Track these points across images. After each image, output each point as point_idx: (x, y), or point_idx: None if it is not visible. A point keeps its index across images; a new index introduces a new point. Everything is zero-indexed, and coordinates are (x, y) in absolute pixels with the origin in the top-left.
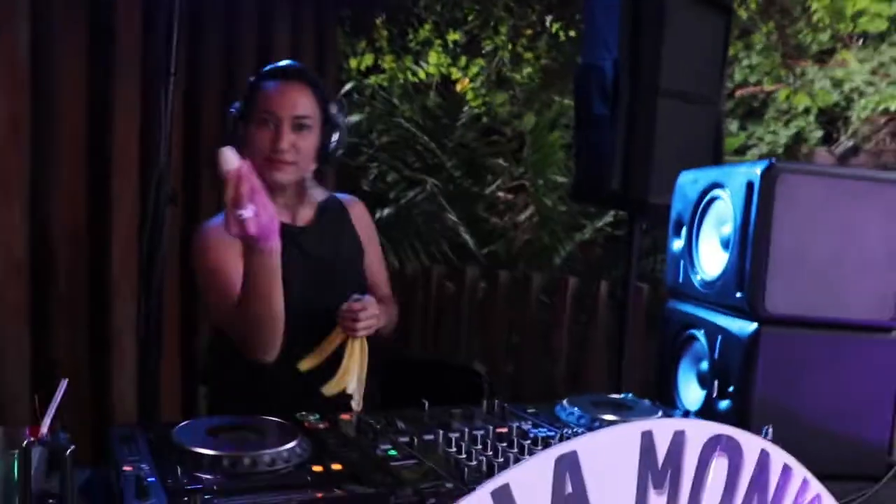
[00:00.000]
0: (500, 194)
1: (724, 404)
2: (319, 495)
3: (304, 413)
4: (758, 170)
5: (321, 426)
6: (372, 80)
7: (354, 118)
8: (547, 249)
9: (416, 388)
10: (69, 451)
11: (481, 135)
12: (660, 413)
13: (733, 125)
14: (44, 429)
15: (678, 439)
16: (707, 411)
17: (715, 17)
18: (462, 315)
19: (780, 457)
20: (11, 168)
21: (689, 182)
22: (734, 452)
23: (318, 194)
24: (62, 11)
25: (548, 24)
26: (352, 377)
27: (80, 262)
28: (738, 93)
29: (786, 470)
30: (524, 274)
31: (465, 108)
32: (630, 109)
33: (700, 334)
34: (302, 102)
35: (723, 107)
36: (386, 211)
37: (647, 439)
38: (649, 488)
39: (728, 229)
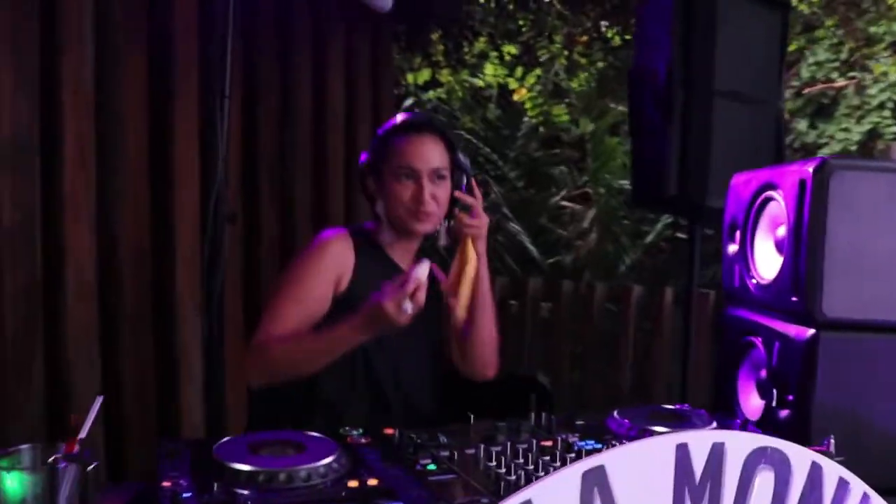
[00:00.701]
0: (564, 203)
1: (783, 414)
2: None
3: (347, 428)
4: (810, 168)
5: (363, 441)
6: (430, 94)
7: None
8: (610, 257)
9: (479, 400)
10: (91, 467)
11: (543, 144)
12: (714, 424)
13: (802, 124)
14: (77, 446)
15: (717, 452)
16: (767, 422)
17: (771, 15)
18: (525, 327)
19: (833, 470)
20: (79, 189)
21: (742, 184)
22: (781, 466)
23: (443, 239)
24: (124, 33)
25: (603, 29)
26: (468, 281)
27: (146, 281)
28: (806, 90)
29: (842, 484)
30: (588, 284)
31: (525, 119)
32: (684, 112)
33: (758, 341)
34: (437, 155)
35: (783, 105)
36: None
37: (683, 452)
38: (687, 503)
39: (783, 231)
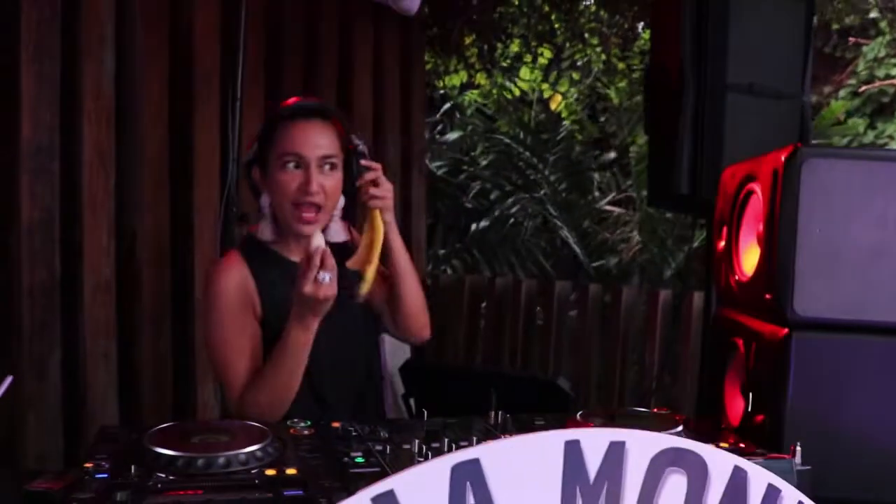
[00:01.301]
0: (608, 207)
1: (759, 419)
2: (248, 496)
3: (295, 420)
4: (783, 155)
5: (305, 432)
6: (468, 96)
7: (454, 136)
8: (655, 262)
9: (500, 404)
10: None
11: (586, 148)
12: (679, 428)
13: (860, 124)
14: None
15: (615, 451)
16: (746, 427)
17: (793, 5)
18: (551, 330)
19: (761, 476)
20: (98, 193)
21: (729, 177)
22: (694, 469)
23: (335, 233)
24: (144, 38)
25: (640, 30)
26: (377, 253)
27: (164, 281)
28: (863, 89)
29: (771, 492)
30: (613, 287)
31: (565, 123)
32: (696, 107)
33: (740, 342)
34: (327, 142)
35: (808, 99)
36: (482, 224)
37: (574, 450)
38: (578, 503)
39: (762, 226)
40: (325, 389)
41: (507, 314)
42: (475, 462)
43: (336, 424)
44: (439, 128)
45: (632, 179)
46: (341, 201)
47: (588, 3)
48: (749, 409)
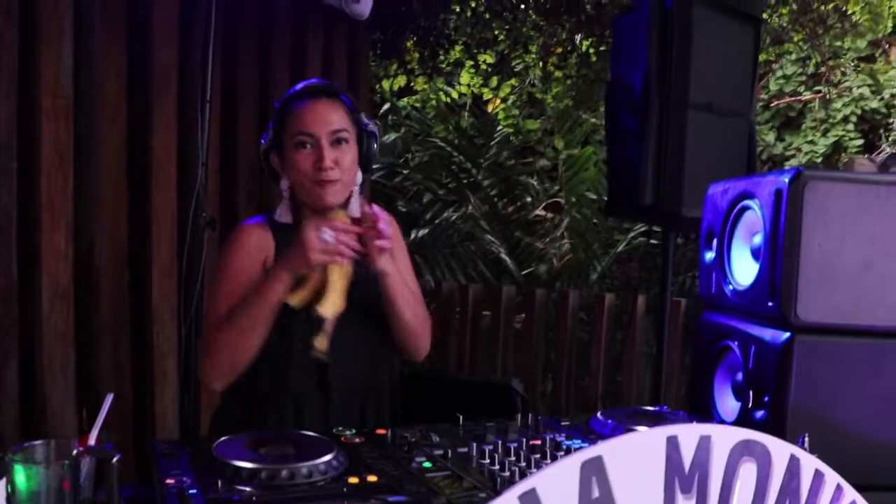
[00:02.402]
0: (537, 213)
1: (759, 415)
2: None
3: (340, 428)
4: (786, 178)
5: (357, 440)
6: (405, 101)
7: (390, 137)
8: (583, 265)
9: (452, 407)
10: (115, 459)
11: (516, 154)
12: (693, 423)
13: (770, 136)
14: (91, 440)
15: (704, 444)
16: (743, 423)
17: (744, 29)
18: (499, 334)
19: (810, 462)
20: (57, 194)
21: (719, 193)
22: (762, 458)
23: (354, 208)
24: (102, 32)
25: (577, 41)
26: (339, 296)
27: (122, 287)
28: (774, 103)
29: (818, 476)
30: (561, 292)
31: (500, 128)
32: (660, 123)
33: (734, 345)
34: (336, 117)
35: (754, 117)
36: (421, 232)
37: (672, 444)
38: (677, 492)
39: (759, 239)
40: (333, 375)
41: (454, 319)
42: (599, 459)
43: (382, 431)
44: None
45: (559, 185)
46: (359, 177)
47: (530, 13)
48: (750, 406)
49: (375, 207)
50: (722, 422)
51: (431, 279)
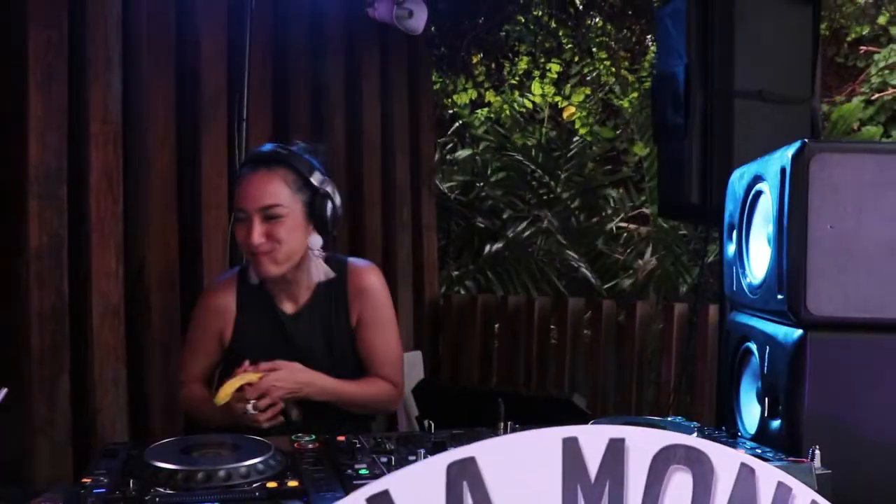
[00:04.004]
0: (622, 224)
1: (775, 424)
2: None
3: (300, 434)
4: (790, 152)
5: (310, 445)
6: (479, 113)
7: (464, 153)
8: (671, 277)
9: (516, 422)
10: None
11: (598, 163)
12: (695, 434)
13: (876, 132)
14: None
15: (616, 448)
16: (762, 434)
17: (799, 8)
18: (566, 348)
19: (770, 475)
20: (107, 218)
21: (737, 179)
22: (699, 467)
23: (317, 273)
24: (151, 59)
25: (648, 43)
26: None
27: (173, 305)
28: (876, 96)
29: (782, 490)
30: (628, 303)
31: (577, 139)
32: (704, 115)
33: (754, 347)
34: (269, 191)
35: (818, 103)
36: (495, 246)
37: (572, 447)
38: (579, 503)
39: (771, 226)
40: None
41: (521, 333)
42: (471, 461)
43: (341, 438)
44: (449, 147)
45: (645, 195)
46: (314, 240)
47: (595, 20)
48: (765, 415)
49: (351, 258)
50: (736, 433)
51: (503, 294)
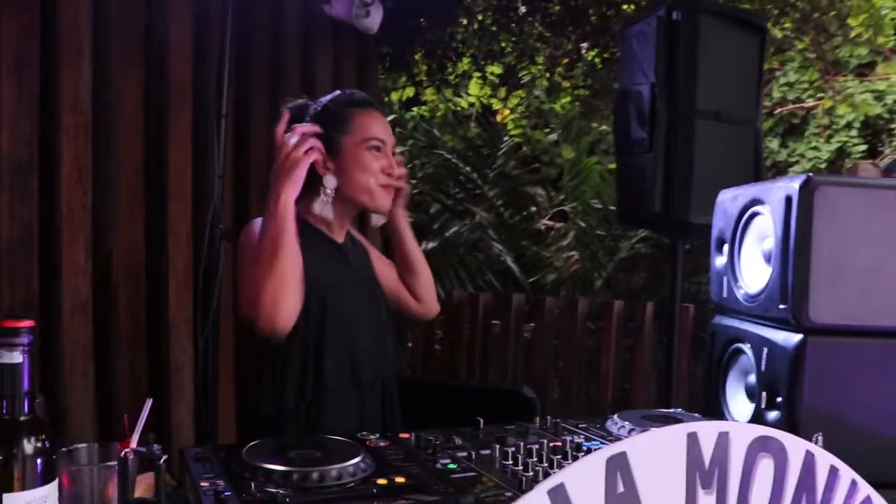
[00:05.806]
0: (544, 222)
1: (772, 416)
2: None
3: (365, 433)
4: (796, 184)
5: (382, 444)
6: (414, 111)
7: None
8: (588, 274)
9: (464, 413)
10: (162, 460)
11: (521, 164)
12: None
13: (774, 143)
14: (133, 443)
15: (722, 440)
16: (756, 423)
17: (749, 38)
18: (508, 343)
19: (825, 459)
20: (76, 210)
21: (729, 199)
22: (779, 454)
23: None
24: (120, 50)
25: (584, 52)
26: None
27: (139, 300)
28: (777, 111)
29: (833, 472)
30: (570, 300)
31: (506, 138)
32: (668, 132)
33: (746, 348)
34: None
35: (760, 124)
36: (431, 244)
37: (693, 440)
38: (698, 487)
39: (769, 244)
40: (362, 370)
41: (464, 328)
42: (623, 455)
43: (406, 435)
44: None
45: (564, 194)
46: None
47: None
48: (763, 407)
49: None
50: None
51: (441, 290)
